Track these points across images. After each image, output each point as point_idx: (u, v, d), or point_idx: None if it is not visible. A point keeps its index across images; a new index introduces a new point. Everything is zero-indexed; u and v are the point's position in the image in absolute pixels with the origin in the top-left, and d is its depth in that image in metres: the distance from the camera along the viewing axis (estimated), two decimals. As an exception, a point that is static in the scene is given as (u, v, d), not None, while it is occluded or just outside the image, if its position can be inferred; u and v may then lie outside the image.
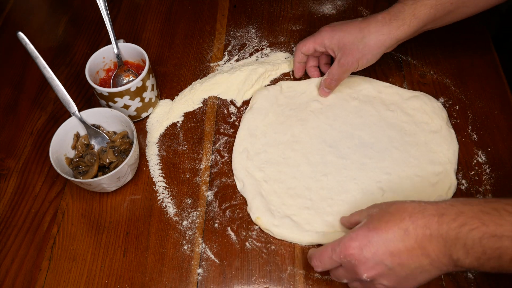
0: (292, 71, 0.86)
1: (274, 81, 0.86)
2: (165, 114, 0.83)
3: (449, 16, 0.70)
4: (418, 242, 0.51)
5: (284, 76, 0.86)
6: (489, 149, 0.75)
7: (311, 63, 0.83)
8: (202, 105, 0.84)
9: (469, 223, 0.48)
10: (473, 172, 0.73)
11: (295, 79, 0.85)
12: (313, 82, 0.83)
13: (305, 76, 0.86)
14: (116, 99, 0.76)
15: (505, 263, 0.48)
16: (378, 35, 0.71)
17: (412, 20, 0.69)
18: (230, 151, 0.78)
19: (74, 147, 0.75)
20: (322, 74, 0.84)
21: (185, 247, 0.69)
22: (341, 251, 0.55)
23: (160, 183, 0.75)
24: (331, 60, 0.82)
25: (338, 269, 0.57)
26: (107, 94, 0.75)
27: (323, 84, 0.79)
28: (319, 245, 0.67)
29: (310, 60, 0.83)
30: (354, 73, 0.84)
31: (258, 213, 0.69)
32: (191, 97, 0.84)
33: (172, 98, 0.85)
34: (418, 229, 0.51)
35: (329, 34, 0.75)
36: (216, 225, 0.71)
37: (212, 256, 0.68)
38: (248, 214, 0.71)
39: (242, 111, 0.83)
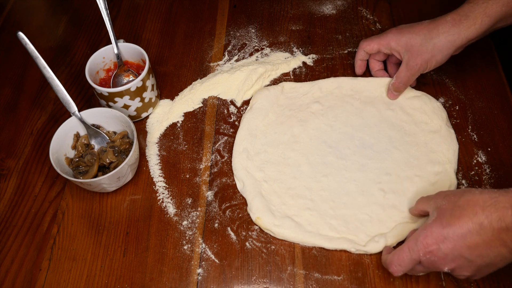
0: (292, 71, 0.86)
1: (274, 81, 0.86)
2: (165, 114, 0.83)
3: None
4: (495, 235, 0.51)
5: (284, 76, 0.86)
6: (489, 149, 0.75)
7: (375, 64, 0.82)
8: (202, 105, 0.84)
9: None
10: (473, 172, 0.73)
11: (295, 79, 0.85)
12: (317, 84, 0.83)
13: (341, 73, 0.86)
14: (116, 99, 0.76)
15: None
16: (447, 36, 0.70)
17: (484, 18, 0.68)
18: (230, 151, 0.78)
19: (74, 147, 0.75)
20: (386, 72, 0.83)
21: (185, 247, 0.69)
22: (419, 249, 0.56)
23: (160, 183, 0.75)
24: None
25: (416, 266, 0.58)
26: (107, 94, 0.75)
27: (392, 87, 0.78)
28: (322, 248, 0.67)
29: (373, 61, 0.82)
30: (355, 76, 0.84)
31: (259, 213, 0.69)
32: (191, 97, 0.84)
33: (172, 98, 0.85)
34: (493, 222, 0.51)
35: (396, 36, 0.74)
36: (216, 225, 0.70)
37: (212, 256, 0.68)
38: (248, 214, 0.71)
39: (242, 111, 0.83)
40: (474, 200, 0.54)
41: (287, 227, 0.68)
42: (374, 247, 0.65)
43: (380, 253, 0.66)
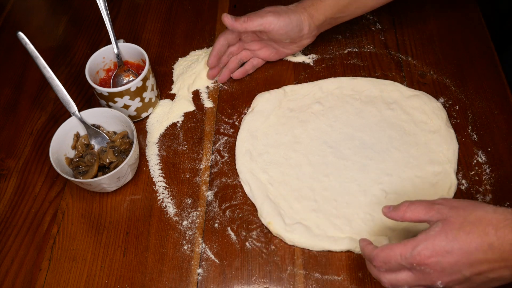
0: (293, 71, 0.86)
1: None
2: (165, 114, 0.83)
3: (345, 17, 0.80)
4: (504, 257, 0.49)
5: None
6: (489, 149, 0.75)
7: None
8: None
9: None
10: (473, 172, 0.73)
11: (295, 80, 0.85)
12: (317, 85, 0.83)
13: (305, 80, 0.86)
14: (116, 99, 0.76)
15: None
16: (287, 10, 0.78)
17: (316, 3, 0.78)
18: (230, 151, 0.78)
19: (74, 147, 0.75)
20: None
21: (185, 247, 0.69)
22: (415, 259, 0.52)
23: (160, 183, 0.75)
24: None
25: (401, 272, 0.54)
26: (107, 94, 0.75)
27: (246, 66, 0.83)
28: (331, 253, 0.67)
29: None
30: (357, 75, 0.84)
31: (270, 218, 0.69)
32: (189, 94, 0.85)
33: (172, 98, 0.85)
34: (505, 245, 0.49)
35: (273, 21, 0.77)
36: (216, 225, 0.71)
37: (212, 256, 0.68)
38: (248, 214, 0.71)
39: (242, 110, 0.82)
40: (487, 219, 0.51)
41: (297, 233, 0.67)
42: None
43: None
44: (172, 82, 0.87)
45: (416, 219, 0.56)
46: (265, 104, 0.81)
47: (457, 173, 0.72)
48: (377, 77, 0.84)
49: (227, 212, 0.72)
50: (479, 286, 0.52)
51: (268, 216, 0.69)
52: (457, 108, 0.80)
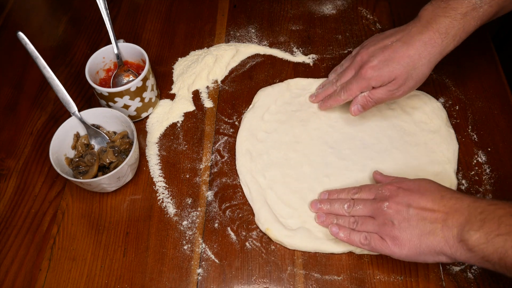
0: (294, 71, 0.86)
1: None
2: (165, 114, 0.83)
3: (491, 19, 0.68)
4: (446, 208, 0.56)
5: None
6: (489, 149, 0.75)
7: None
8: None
9: (498, 205, 0.53)
10: (473, 172, 0.73)
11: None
12: (321, 81, 0.83)
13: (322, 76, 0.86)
14: (116, 99, 0.76)
15: (509, 247, 0.50)
16: (430, 58, 0.67)
17: (462, 35, 0.66)
18: (230, 151, 0.78)
19: (74, 147, 0.75)
20: None
21: (185, 247, 0.69)
22: (386, 186, 0.62)
23: (160, 183, 0.75)
24: None
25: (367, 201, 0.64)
26: (107, 94, 0.75)
27: (360, 101, 0.72)
28: (331, 254, 0.67)
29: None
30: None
31: (267, 224, 0.68)
32: (189, 94, 0.85)
33: (172, 98, 0.85)
34: (453, 200, 0.56)
35: (377, 73, 0.68)
36: (216, 225, 0.71)
37: (212, 256, 0.68)
38: (248, 215, 0.71)
39: (242, 110, 0.82)
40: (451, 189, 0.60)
41: (298, 237, 0.67)
42: None
43: (382, 255, 0.66)
44: (172, 82, 0.87)
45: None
46: (266, 99, 0.81)
47: (457, 173, 0.72)
48: (377, 77, 0.84)
49: (227, 212, 0.72)
50: (411, 233, 0.57)
51: (266, 222, 0.69)
52: (457, 108, 0.80)
